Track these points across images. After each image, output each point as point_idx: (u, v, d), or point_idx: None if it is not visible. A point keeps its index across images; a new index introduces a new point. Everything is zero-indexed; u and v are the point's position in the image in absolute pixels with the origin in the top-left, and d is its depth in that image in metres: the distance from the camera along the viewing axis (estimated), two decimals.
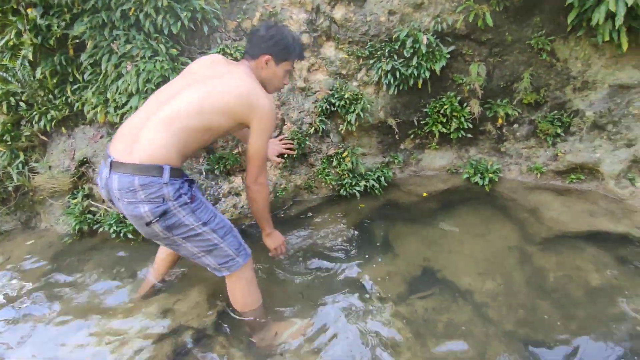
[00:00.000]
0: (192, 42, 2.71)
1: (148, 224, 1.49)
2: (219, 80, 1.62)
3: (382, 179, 2.81)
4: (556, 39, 2.63)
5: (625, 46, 2.35)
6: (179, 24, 2.46)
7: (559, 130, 2.74)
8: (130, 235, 2.54)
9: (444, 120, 2.83)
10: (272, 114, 1.60)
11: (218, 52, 2.61)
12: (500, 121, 2.84)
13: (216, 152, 2.71)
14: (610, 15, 2.27)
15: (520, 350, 1.74)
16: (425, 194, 2.79)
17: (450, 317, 1.92)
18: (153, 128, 1.47)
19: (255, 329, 1.83)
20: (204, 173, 2.69)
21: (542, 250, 2.27)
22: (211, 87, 1.59)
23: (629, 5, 2.16)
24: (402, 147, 3.04)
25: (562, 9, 2.49)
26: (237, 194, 2.71)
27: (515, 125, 2.88)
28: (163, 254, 2.10)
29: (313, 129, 2.78)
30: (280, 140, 2.69)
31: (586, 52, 2.61)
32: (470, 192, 2.81)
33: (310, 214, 2.76)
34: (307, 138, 2.76)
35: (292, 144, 2.69)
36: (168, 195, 1.46)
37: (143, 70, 2.37)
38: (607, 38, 2.37)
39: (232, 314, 1.94)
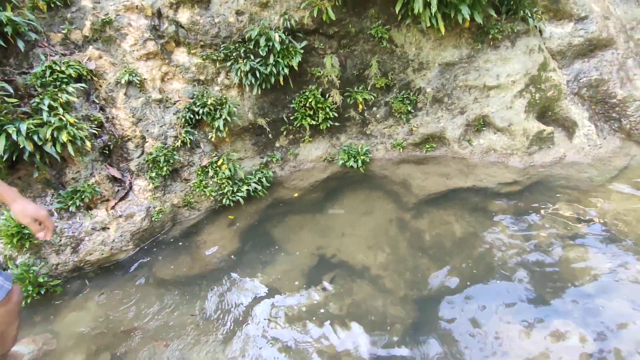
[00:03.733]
0: (6, 62, 2.25)
1: None
2: None
3: (264, 179, 2.78)
4: (391, 28, 2.95)
5: (442, 29, 2.76)
6: None
7: (409, 108, 3.10)
8: None
9: (311, 112, 2.94)
10: None
11: (44, 70, 2.22)
12: (360, 106, 3.07)
13: (67, 186, 2.32)
14: (427, 4, 2.63)
15: (414, 310, 1.92)
16: (296, 194, 2.83)
17: (353, 299, 2.00)
18: None
19: None
20: (56, 213, 2.27)
21: (416, 214, 2.54)
22: None
23: None
24: (277, 145, 3.05)
25: (391, 0, 2.79)
26: (105, 228, 2.36)
27: (374, 109, 3.15)
28: None
29: (180, 141, 2.58)
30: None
31: (416, 37, 2.99)
32: (348, 176, 2.99)
33: (194, 232, 2.57)
34: (175, 152, 2.56)
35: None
36: None
37: None
38: (428, 24, 2.75)
39: None
